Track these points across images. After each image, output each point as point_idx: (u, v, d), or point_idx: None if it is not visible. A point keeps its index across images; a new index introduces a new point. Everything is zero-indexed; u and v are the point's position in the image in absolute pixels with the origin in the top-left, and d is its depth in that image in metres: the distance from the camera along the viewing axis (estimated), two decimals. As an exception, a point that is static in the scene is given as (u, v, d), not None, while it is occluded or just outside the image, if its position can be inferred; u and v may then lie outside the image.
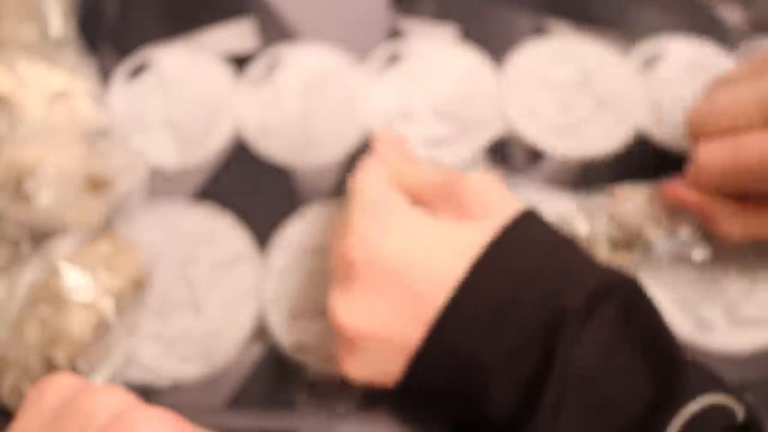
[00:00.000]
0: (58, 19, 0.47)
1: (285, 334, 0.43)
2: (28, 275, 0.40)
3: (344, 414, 0.41)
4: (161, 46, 0.51)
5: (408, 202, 0.39)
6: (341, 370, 0.38)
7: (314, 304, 0.43)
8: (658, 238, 0.43)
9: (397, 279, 0.36)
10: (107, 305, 0.40)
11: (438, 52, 0.51)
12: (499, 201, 0.38)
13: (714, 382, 0.33)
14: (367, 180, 0.39)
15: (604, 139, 0.48)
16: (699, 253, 0.43)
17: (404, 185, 0.40)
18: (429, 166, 0.41)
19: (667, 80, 0.50)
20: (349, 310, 0.37)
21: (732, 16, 0.52)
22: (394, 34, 0.51)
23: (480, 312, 0.35)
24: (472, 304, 0.35)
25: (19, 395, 0.39)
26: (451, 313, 0.35)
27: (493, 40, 0.50)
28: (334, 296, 0.37)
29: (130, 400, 0.28)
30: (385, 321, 0.36)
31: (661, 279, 0.44)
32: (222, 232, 0.45)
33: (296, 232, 0.45)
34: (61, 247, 0.41)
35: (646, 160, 0.47)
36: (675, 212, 0.43)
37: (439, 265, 0.36)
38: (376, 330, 0.36)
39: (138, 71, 0.50)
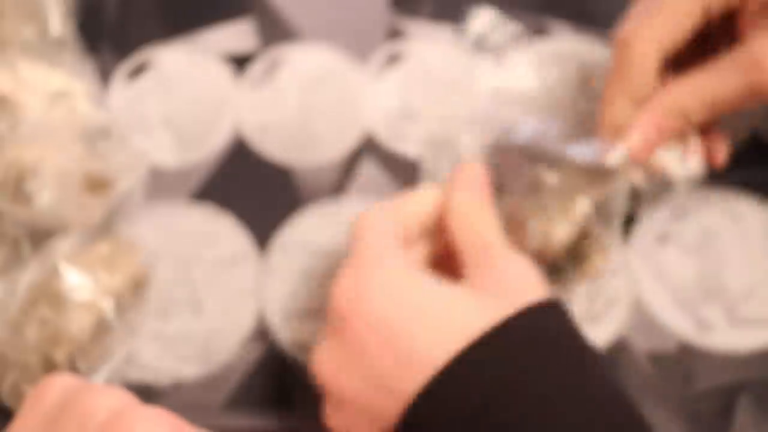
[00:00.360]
0: (58, 19, 0.47)
1: (285, 334, 0.43)
2: (28, 275, 0.40)
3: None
4: (161, 46, 0.51)
5: (405, 263, 0.35)
6: (324, 422, 0.35)
7: (314, 304, 0.43)
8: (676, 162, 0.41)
9: (379, 343, 0.33)
10: (107, 305, 0.40)
11: (438, 52, 0.51)
12: (526, 286, 0.35)
13: None
14: (371, 225, 0.36)
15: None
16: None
17: (436, 234, 0.38)
18: (487, 219, 0.37)
19: (667, 80, 0.50)
20: (330, 366, 0.34)
21: (732, 15, 0.52)
22: (394, 34, 0.51)
23: (453, 411, 0.31)
24: (445, 402, 0.32)
25: (19, 395, 0.39)
26: (424, 404, 0.32)
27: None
28: (319, 348, 0.35)
29: (129, 399, 0.28)
30: (363, 385, 0.33)
31: (661, 278, 0.44)
32: (222, 232, 0.45)
33: (296, 232, 0.45)
34: (61, 247, 0.41)
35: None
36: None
37: (425, 340, 0.33)
38: (353, 393, 0.34)
39: (138, 71, 0.50)
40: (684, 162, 0.41)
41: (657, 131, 0.39)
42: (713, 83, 0.39)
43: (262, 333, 0.43)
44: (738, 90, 0.38)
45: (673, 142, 0.41)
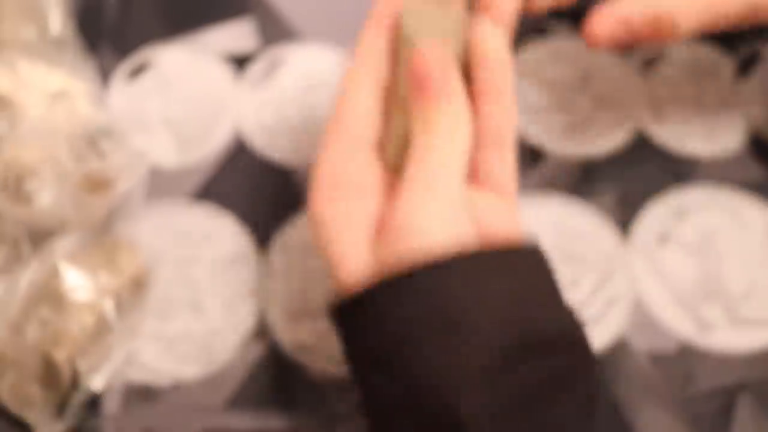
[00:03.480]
0: (58, 19, 0.47)
1: (285, 334, 0.43)
2: (28, 275, 0.40)
3: (344, 414, 0.41)
4: (161, 46, 0.51)
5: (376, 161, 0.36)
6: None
7: (314, 304, 0.43)
8: None
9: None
10: (107, 305, 0.40)
11: (438, 52, 0.51)
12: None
13: None
14: (355, 98, 0.38)
15: (604, 138, 0.48)
16: None
17: None
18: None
19: (667, 80, 0.50)
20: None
21: (732, 16, 0.52)
22: (394, 34, 0.51)
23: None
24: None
25: (19, 395, 0.39)
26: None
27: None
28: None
29: None
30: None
31: (661, 278, 0.44)
32: (222, 232, 0.45)
33: (296, 232, 0.45)
34: (61, 247, 0.41)
35: (646, 160, 0.47)
36: None
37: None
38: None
39: (138, 71, 0.50)
40: None
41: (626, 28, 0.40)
42: None
43: (262, 333, 0.43)
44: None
45: None
